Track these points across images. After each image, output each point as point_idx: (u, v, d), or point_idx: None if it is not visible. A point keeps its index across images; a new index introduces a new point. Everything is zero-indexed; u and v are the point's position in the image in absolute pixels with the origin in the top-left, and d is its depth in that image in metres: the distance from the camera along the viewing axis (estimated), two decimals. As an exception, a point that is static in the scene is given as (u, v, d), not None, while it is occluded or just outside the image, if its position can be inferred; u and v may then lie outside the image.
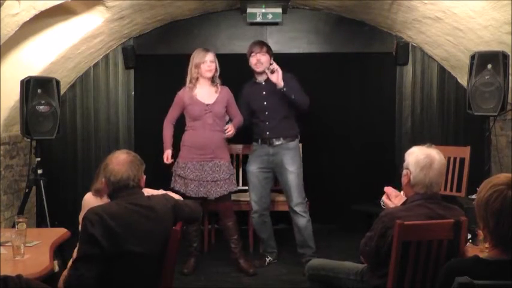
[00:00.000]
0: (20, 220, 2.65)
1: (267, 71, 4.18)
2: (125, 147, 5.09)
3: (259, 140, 4.39)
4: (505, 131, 4.66)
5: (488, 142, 4.42)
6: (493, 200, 1.72)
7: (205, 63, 4.13)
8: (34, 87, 4.08)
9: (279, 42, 5.30)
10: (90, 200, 2.79)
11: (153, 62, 5.48)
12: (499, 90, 3.95)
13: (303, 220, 4.31)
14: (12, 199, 4.61)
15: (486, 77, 4.00)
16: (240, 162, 5.05)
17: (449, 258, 2.18)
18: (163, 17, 5.03)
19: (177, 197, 2.68)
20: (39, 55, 4.37)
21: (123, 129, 5.44)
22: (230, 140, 4.46)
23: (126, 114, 5.43)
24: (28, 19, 3.57)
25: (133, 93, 5.43)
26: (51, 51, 4.43)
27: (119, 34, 4.98)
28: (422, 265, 2.40)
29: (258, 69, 4.30)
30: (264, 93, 4.34)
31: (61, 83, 4.46)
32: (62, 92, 4.87)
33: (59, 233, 2.93)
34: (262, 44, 4.34)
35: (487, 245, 2.13)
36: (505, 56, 3.96)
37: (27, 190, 4.22)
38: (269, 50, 4.32)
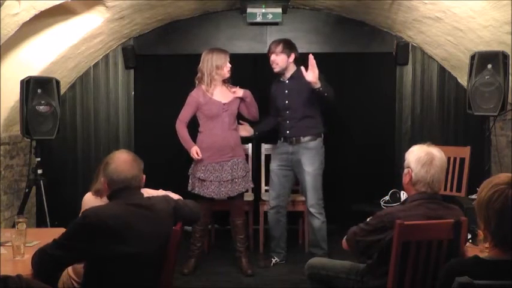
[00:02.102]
0: (20, 220, 2.65)
1: (302, 68, 4.09)
2: (125, 147, 5.10)
3: (282, 138, 4.41)
4: (505, 131, 4.66)
5: (488, 142, 4.42)
6: (495, 200, 1.71)
7: (227, 65, 4.15)
8: (34, 87, 4.08)
9: (279, 42, 5.29)
10: (90, 200, 2.78)
11: (153, 62, 5.48)
12: (499, 90, 3.96)
13: (317, 221, 4.31)
14: (12, 199, 4.61)
15: (486, 77, 4.00)
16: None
17: (449, 258, 2.18)
18: (163, 17, 5.03)
19: (176, 196, 2.68)
20: (39, 55, 4.37)
21: (123, 129, 5.44)
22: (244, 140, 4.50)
23: (126, 114, 5.43)
24: (28, 19, 3.57)
25: (133, 93, 5.43)
26: (51, 51, 4.43)
27: (119, 34, 4.98)
28: (422, 265, 2.40)
29: (274, 69, 4.30)
30: (286, 91, 4.34)
31: (61, 83, 4.46)
32: (62, 92, 4.87)
33: (59, 233, 2.91)
34: (277, 44, 4.30)
35: (487, 245, 2.13)
36: (505, 56, 3.96)
37: (27, 190, 4.22)
38: (286, 49, 4.27)
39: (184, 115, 4.22)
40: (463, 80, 5.04)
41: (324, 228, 4.34)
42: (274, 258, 4.50)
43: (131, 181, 2.33)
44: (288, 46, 4.30)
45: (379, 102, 5.49)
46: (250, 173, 4.42)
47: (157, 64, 5.50)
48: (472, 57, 4.09)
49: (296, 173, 4.39)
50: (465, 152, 4.54)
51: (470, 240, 2.68)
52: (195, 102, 4.19)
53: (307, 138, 4.30)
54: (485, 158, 4.34)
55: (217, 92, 4.20)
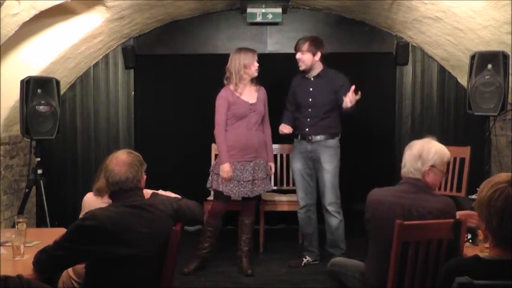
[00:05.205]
0: (20, 220, 2.65)
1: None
2: (125, 147, 5.08)
3: (299, 136, 4.38)
4: (505, 131, 4.66)
5: (488, 142, 4.42)
6: (496, 199, 1.71)
7: (254, 63, 4.15)
8: (34, 87, 4.09)
9: (279, 42, 5.30)
10: (90, 200, 2.79)
11: (153, 62, 5.48)
12: (499, 90, 3.95)
13: (335, 220, 4.30)
14: (12, 199, 4.61)
15: (486, 77, 4.00)
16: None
17: (449, 258, 2.18)
18: (163, 17, 5.03)
19: (177, 197, 2.67)
20: (39, 55, 4.37)
21: (123, 129, 5.44)
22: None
23: (126, 114, 5.43)
24: (28, 19, 3.57)
25: (133, 93, 5.43)
26: (51, 51, 4.43)
27: (119, 34, 4.98)
28: (421, 265, 2.41)
29: (300, 67, 4.29)
30: (310, 89, 4.32)
31: (61, 83, 4.46)
32: (62, 92, 4.87)
33: (59, 233, 2.91)
34: (303, 42, 4.26)
35: (487, 245, 2.12)
36: (505, 56, 3.96)
37: (27, 190, 4.22)
38: (311, 47, 4.22)
39: (221, 118, 4.14)
40: (463, 80, 5.04)
41: (341, 228, 4.31)
42: (305, 258, 4.45)
43: (126, 183, 2.32)
44: (314, 44, 4.26)
45: (379, 102, 5.49)
46: (272, 175, 4.44)
47: (157, 64, 5.50)
48: (472, 57, 4.09)
49: (315, 170, 4.37)
50: (465, 152, 4.54)
51: (470, 240, 2.68)
52: (226, 102, 4.14)
53: (325, 137, 4.30)
54: (485, 158, 4.34)
55: (245, 92, 4.19)
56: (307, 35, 5.22)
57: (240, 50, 4.21)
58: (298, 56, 4.26)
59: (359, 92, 4.00)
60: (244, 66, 4.13)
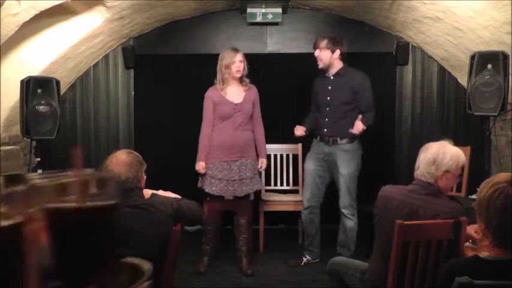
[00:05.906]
0: (20, 220, 2.65)
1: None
2: (125, 147, 5.10)
3: (318, 137, 4.33)
4: (505, 131, 4.66)
5: (488, 142, 4.42)
6: (496, 198, 1.71)
7: (235, 63, 4.11)
8: (34, 87, 4.09)
9: (279, 42, 5.30)
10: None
11: (153, 62, 5.48)
12: (499, 90, 3.95)
13: (350, 222, 4.26)
14: (12, 199, 4.60)
15: (486, 77, 4.00)
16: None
17: (449, 258, 2.18)
18: (163, 17, 5.03)
19: (177, 197, 2.67)
20: (39, 55, 4.37)
21: (123, 129, 5.44)
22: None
23: (126, 114, 5.43)
24: (28, 19, 3.57)
25: (133, 93, 5.43)
26: (51, 51, 4.43)
27: (119, 34, 4.98)
28: (421, 265, 2.41)
29: (318, 65, 4.23)
30: (329, 87, 4.26)
31: (61, 83, 4.47)
32: (62, 92, 4.87)
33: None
34: (322, 39, 4.22)
35: (485, 243, 2.12)
36: (505, 56, 3.96)
37: (27, 190, 4.21)
38: (330, 45, 4.17)
39: (207, 118, 4.18)
40: (463, 80, 5.04)
41: (355, 229, 4.28)
42: (305, 257, 4.45)
43: (126, 183, 2.32)
44: (333, 42, 4.20)
45: (379, 102, 5.46)
46: (259, 175, 4.44)
47: (157, 64, 5.50)
48: (472, 57, 4.09)
49: (332, 174, 4.32)
50: (465, 152, 4.50)
51: (470, 240, 2.68)
52: (211, 101, 4.16)
53: (344, 140, 4.21)
54: (485, 158, 4.34)
55: (230, 92, 4.18)
56: (307, 35, 5.25)
57: (227, 49, 4.22)
58: (316, 53, 4.21)
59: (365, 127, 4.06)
60: (225, 66, 4.12)
